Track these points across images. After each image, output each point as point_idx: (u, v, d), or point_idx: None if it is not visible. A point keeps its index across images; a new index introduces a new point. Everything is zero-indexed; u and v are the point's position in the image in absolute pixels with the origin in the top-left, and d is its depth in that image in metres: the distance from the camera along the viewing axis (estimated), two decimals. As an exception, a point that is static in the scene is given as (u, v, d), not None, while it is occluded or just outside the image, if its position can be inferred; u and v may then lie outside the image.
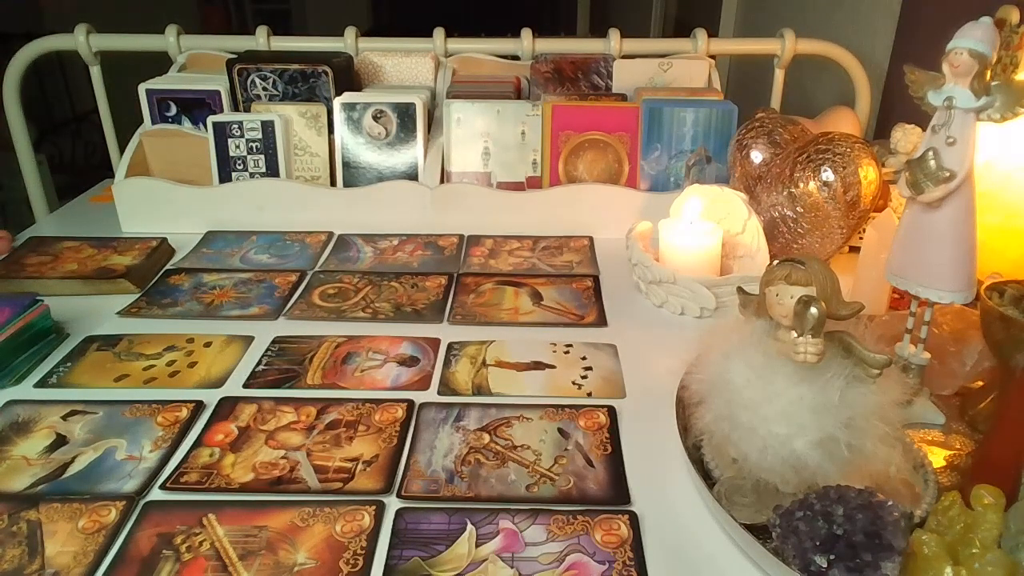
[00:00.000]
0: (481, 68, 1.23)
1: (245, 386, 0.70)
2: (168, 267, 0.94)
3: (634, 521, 0.53)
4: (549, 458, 0.60)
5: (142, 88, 1.09)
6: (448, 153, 1.05)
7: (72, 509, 0.54)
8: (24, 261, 0.92)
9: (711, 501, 0.52)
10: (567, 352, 0.75)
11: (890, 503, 0.45)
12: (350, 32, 1.19)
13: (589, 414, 0.65)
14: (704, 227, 0.84)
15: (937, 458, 0.60)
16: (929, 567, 0.45)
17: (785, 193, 0.83)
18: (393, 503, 0.55)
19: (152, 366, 0.73)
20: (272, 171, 1.05)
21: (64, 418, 0.65)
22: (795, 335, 0.47)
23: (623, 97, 1.10)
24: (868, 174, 0.80)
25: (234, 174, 1.05)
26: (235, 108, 1.09)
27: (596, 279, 0.91)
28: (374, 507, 0.55)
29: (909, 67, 0.58)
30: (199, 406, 0.66)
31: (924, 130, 0.61)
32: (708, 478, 0.56)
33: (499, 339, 0.77)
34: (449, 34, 1.22)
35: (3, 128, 1.27)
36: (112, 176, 1.15)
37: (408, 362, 0.74)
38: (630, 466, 0.59)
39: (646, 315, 0.84)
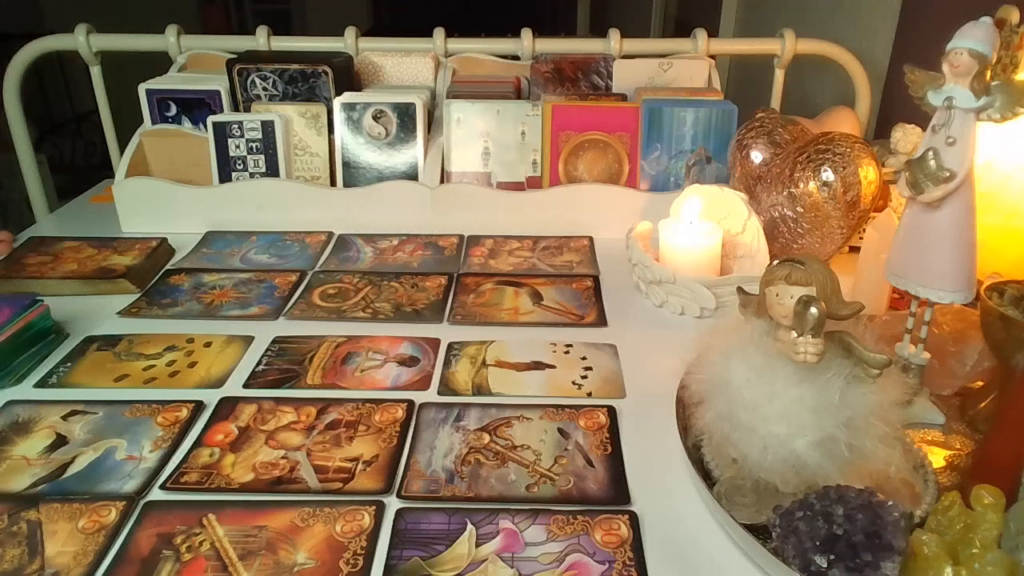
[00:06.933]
0: (481, 68, 1.23)
1: (245, 386, 0.70)
2: (168, 267, 0.94)
3: (634, 521, 0.53)
4: (549, 458, 0.60)
5: (142, 88, 1.09)
6: (448, 153, 1.05)
7: (72, 509, 0.54)
8: (24, 261, 0.92)
9: (711, 501, 0.52)
10: (567, 352, 0.75)
11: (890, 503, 0.45)
12: (350, 32, 1.19)
13: (589, 414, 0.65)
14: (704, 227, 0.84)
15: (937, 458, 0.60)
16: (929, 567, 0.45)
17: (785, 193, 0.83)
18: (393, 503, 0.55)
19: (152, 366, 0.73)
20: (272, 171, 1.05)
21: (64, 418, 0.65)
22: (795, 335, 0.47)
23: (623, 97, 1.10)
24: (868, 174, 0.80)
25: (234, 174, 1.05)
26: (235, 108, 1.09)
27: (596, 279, 0.91)
28: (374, 507, 0.55)
29: (909, 67, 0.58)
30: (199, 406, 0.66)
31: (924, 130, 0.61)
32: (708, 478, 0.56)
33: (499, 339, 0.77)
34: (449, 34, 1.22)
35: (3, 128, 1.27)
36: (112, 176, 1.15)
37: (408, 362, 0.74)
38: (630, 466, 0.59)
39: (646, 315, 0.84)
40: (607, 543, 0.51)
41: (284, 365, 0.73)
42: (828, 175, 0.80)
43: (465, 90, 1.10)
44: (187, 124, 1.10)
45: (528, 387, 0.70)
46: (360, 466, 0.59)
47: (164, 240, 0.98)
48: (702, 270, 0.83)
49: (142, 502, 0.55)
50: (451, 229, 1.03)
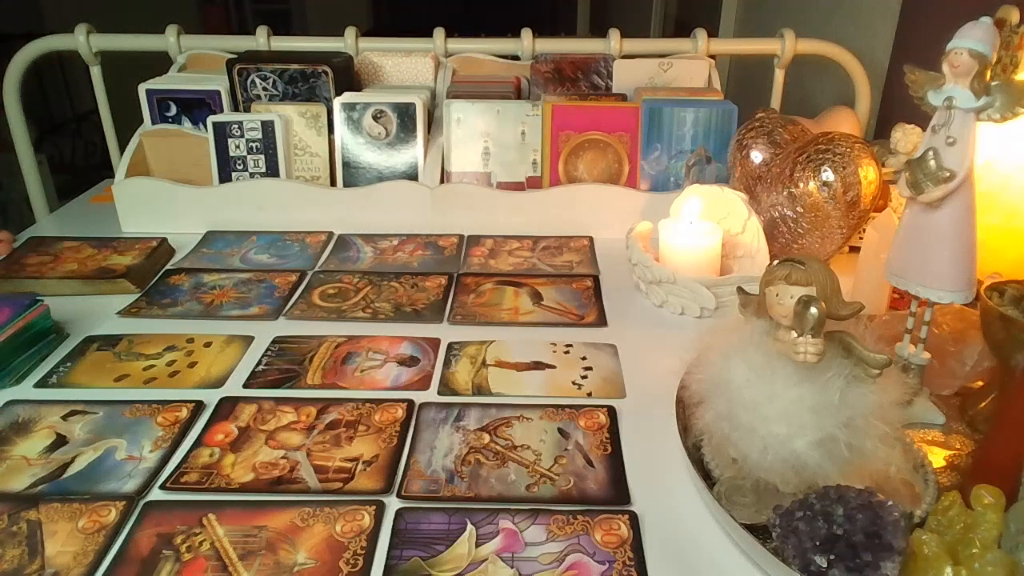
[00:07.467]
0: (481, 68, 1.23)
1: (245, 386, 0.70)
2: (168, 267, 0.94)
3: (634, 521, 0.53)
4: (549, 458, 0.60)
5: (142, 88, 1.09)
6: (448, 153, 1.05)
7: (72, 509, 0.54)
8: (24, 261, 0.92)
9: (711, 501, 0.52)
10: (567, 352, 0.75)
11: (890, 503, 0.45)
12: (350, 32, 1.19)
13: (589, 414, 0.65)
14: (704, 227, 0.84)
15: (937, 458, 0.60)
16: (929, 567, 0.45)
17: (785, 193, 0.83)
18: (393, 503, 0.55)
19: (152, 366, 0.73)
20: (272, 171, 1.05)
21: (64, 418, 0.65)
22: (795, 335, 0.47)
23: (623, 97, 1.10)
24: (868, 174, 0.80)
25: (234, 174, 1.05)
26: (235, 108, 1.09)
27: (596, 279, 0.91)
28: (374, 507, 0.55)
29: (909, 67, 0.58)
30: (199, 406, 0.66)
31: (924, 130, 0.61)
32: (708, 478, 0.56)
33: (499, 339, 0.77)
34: (449, 34, 1.22)
35: (3, 128, 1.27)
36: (112, 176, 1.15)
37: (408, 362, 0.74)
38: (630, 466, 0.59)
39: (646, 315, 0.84)
40: (607, 543, 0.51)
41: (284, 365, 0.73)
42: (828, 175, 0.80)
43: (465, 90, 1.10)
44: (187, 124, 1.10)
45: (528, 387, 0.70)
46: (360, 466, 0.59)
47: (164, 240, 0.98)
48: (702, 270, 0.83)
49: (142, 502, 0.55)
50: (451, 229, 1.03)
